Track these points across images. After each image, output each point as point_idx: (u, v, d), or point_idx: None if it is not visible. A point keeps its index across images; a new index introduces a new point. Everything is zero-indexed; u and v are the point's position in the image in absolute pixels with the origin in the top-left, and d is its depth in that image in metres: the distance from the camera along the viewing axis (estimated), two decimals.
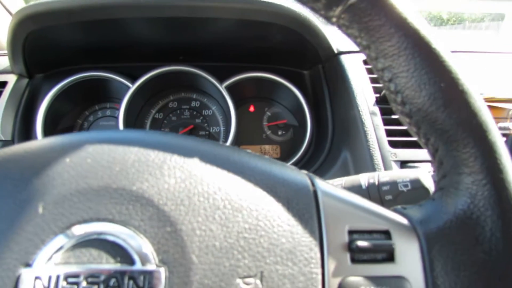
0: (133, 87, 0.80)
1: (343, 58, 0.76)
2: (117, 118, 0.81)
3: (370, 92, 0.71)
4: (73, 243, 0.23)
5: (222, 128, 0.89)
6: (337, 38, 0.79)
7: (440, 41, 0.29)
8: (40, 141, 0.29)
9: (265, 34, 0.77)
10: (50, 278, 0.21)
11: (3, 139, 0.76)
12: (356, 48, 0.79)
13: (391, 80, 0.30)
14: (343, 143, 0.72)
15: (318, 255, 0.25)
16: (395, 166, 0.63)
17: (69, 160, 0.25)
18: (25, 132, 0.79)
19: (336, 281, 0.24)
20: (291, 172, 0.29)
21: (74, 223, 0.23)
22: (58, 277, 0.21)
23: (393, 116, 0.69)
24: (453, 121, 0.27)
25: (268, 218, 0.25)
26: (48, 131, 0.80)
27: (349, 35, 0.32)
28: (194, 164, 0.26)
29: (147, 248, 0.23)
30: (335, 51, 0.78)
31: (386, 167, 0.63)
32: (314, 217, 0.26)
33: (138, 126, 0.86)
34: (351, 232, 0.26)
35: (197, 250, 0.23)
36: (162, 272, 0.22)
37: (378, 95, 0.71)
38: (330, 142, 0.77)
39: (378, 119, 0.67)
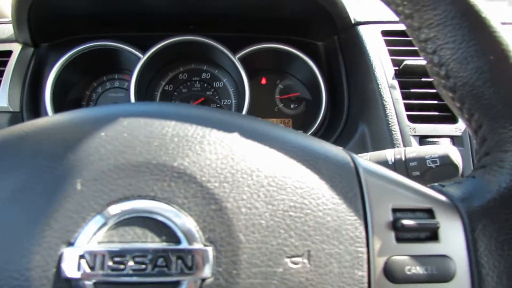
0: (143, 58, 0.78)
1: (361, 29, 0.74)
2: (128, 90, 0.79)
3: (389, 65, 0.69)
4: (115, 221, 0.22)
5: (233, 101, 0.87)
6: (354, 8, 0.75)
7: (490, 10, 0.27)
8: (67, 114, 0.27)
9: (279, 2, 0.74)
10: (95, 257, 0.21)
11: (12, 110, 0.75)
12: (374, 19, 0.76)
13: (435, 52, 0.28)
14: (360, 117, 0.71)
15: (363, 234, 0.24)
16: (414, 141, 0.62)
17: (104, 134, 0.24)
18: (33, 103, 0.78)
19: (382, 260, 0.24)
20: (330, 148, 0.28)
21: (115, 201, 0.22)
22: (104, 256, 0.21)
23: (412, 90, 0.67)
24: (500, 96, 0.26)
25: (312, 196, 0.24)
26: (57, 102, 0.78)
27: (389, 4, 0.30)
28: (234, 140, 0.25)
29: (193, 226, 0.22)
30: (353, 21, 0.75)
31: (405, 142, 0.62)
32: (358, 195, 0.25)
33: (148, 99, 0.84)
34: (394, 211, 0.26)
35: (244, 228, 0.22)
36: (210, 251, 0.21)
37: (397, 68, 0.69)
38: (346, 115, 0.76)
39: (397, 93, 0.66)
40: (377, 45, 0.71)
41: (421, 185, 0.28)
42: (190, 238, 0.22)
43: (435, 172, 0.40)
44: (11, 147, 0.24)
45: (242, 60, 0.80)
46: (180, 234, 0.22)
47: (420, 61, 0.67)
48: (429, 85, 0.67)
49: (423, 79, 0.68)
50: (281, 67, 0.88)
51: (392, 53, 0.70)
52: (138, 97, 0.78)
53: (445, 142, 0.62)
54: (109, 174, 0.22)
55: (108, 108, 0.27)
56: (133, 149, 0.23)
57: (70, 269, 0.21)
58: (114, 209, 0.22)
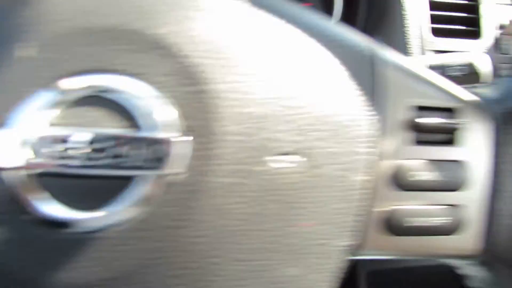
0: None
1: None
2: None
3: None
4: (66, 99, 0.18)
5: None
6: None
7: None
8: None
9: None
10: (39, 141, 0.17)
11: None
12: None
13: None
14: (375, 27, 0.64)
15: (369, 132, 0.20)
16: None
17: None
18: None
19: (388, 164, 0.21)
20: (344, 34, 0.23)
21: (68, 73, 0.18)
22: (42, 141, 0.17)
23: None
24: None
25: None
26: None
27: None
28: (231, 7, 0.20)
29: (171, 111, 0.18)
30: None
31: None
32: (368, 88, 0.21)
33: None
34: (410, 108, 0.22)
35: (228, 116, 0.18)
36: (189, 141, 0.18)
37: None
38: (362, 28, 0.68)
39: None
40: None
41: (449, 83, 0.24)
42: (166, 125, 0.18)
43: (458, 81, 0.36)
44: None
45: None
46: (152, 119, 0.18)
47: None
48: None
49: None
50: None
51: None
52: None
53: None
54: (65, 39, 0.18)
55: None
56: (100, 10, 0.19)
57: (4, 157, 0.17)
58: (67, 84, 0.18)
